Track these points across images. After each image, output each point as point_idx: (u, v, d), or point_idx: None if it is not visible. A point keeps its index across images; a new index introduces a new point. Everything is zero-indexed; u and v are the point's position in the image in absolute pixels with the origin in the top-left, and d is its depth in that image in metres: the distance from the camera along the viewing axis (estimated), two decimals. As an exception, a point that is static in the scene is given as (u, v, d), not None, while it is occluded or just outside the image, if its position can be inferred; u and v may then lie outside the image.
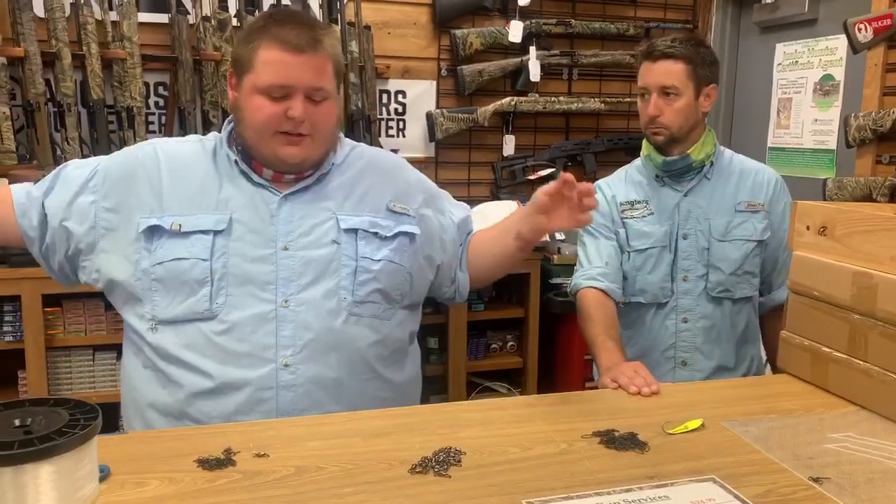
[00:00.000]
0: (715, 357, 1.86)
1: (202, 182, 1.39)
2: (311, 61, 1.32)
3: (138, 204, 1.37)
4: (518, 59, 3.30)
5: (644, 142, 1.92)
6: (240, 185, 1.39)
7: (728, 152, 1.96)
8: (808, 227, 1.49)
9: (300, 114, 1.32)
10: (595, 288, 1.83)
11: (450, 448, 1.13)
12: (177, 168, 1.40)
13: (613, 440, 1.18)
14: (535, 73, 3.29)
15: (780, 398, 1.40)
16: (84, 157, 2.73)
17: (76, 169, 1.45)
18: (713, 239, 1.85)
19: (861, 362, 1.34)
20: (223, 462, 1.08)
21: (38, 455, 0.76)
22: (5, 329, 2.63)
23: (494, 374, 3.17)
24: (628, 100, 3.49)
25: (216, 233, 1.35)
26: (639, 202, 1.91)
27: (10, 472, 0.75)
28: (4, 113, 2.62)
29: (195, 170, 1.40)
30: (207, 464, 1.07)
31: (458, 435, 1.19)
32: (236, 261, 1.34)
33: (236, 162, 1.40)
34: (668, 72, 1.81)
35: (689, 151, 1.85)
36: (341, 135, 1.52)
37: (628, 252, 1.89)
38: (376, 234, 1.42)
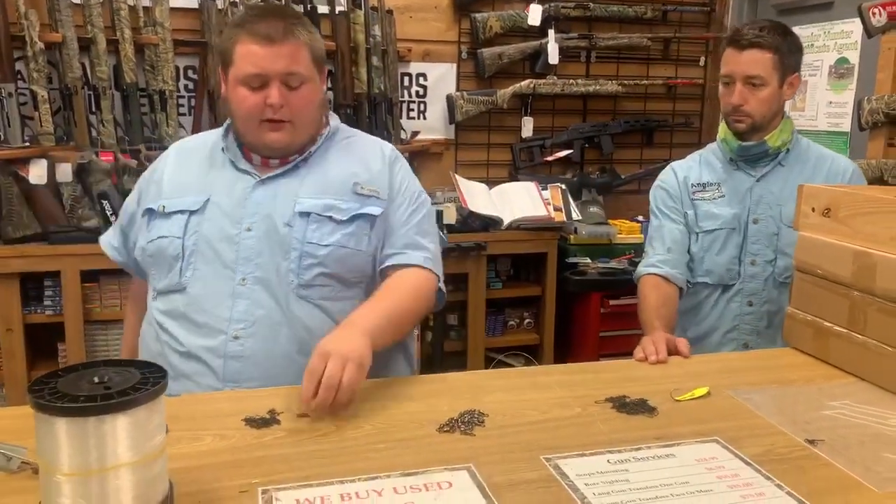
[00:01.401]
0: (778, 342, 1.82)
1: (196, 169, 1.54)
2: (282, 50, 1.42)
3: (147, 193, 1.58)
4: (537, 42, 3.36)
5: (721, 125, 1.94)
6: (225, 171, 1.52)
7: (805, 140, 1.96)
8: (813, 209, 1.56)
9: (276, 100, 1.42)
10: (654, 274, 1.90)
11: (474, 410, 1.23)
12: (181, 159, 1.58)
13: (625, 405, 1.28)
14: (553, 55, 3.35)
15: (783, 370, 1.49)
16: (118, 138, 2.87)
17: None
18: (783, 225, 1.85)
19: (860, 336, 1.43)
20: (269, 421, 1.19)
21: (117, 407, 0.86)
22: (46, 303, 2.77)
23: (511, 349, 3.27)
24: (645, 82, 3.55)
25: (191, 212, 1.49)
26: (711, 184, 1.94)
27: (93, 421, 0.86)
28: (43, 96, 2.73)
29: (194, 159, 1.56)
30: (254, 422, 1.18)
31: (482, 399, 1.29)
32: (206, 239, 1.46)
33: (223, 150, 1.53)
34: (755, 61, 1.81)
35: (766, 138, 1.86)
36: (334, 120, 1.60)
37: (696, 233, 1.93)
38: (330, 217, 1.47)
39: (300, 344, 1.43)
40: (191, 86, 3.09)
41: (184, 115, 3.06)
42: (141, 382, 0.91)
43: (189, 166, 1.56)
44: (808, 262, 1.57)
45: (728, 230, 1.90)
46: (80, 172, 2.79)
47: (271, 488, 0.99)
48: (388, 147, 1.62)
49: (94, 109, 2.84)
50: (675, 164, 2.04)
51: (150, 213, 1.53)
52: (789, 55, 1.84)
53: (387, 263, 1.52)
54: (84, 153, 2.76)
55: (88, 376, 0.93)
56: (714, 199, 1.92)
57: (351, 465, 1.06)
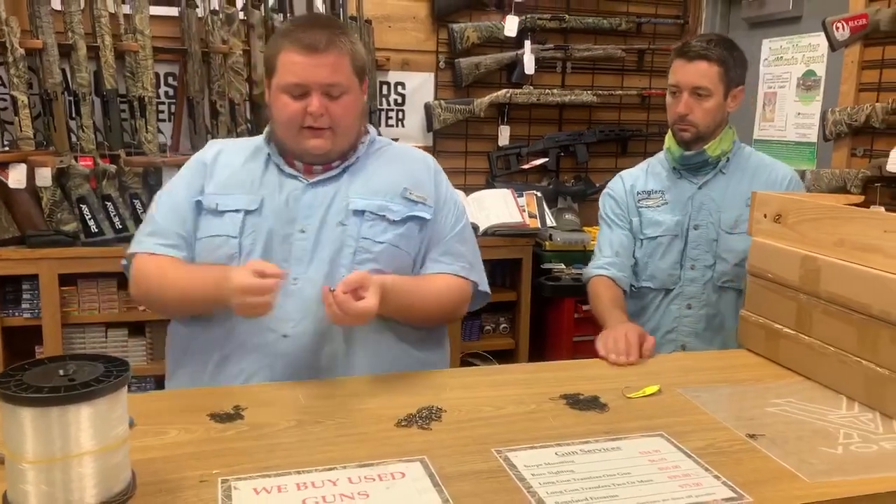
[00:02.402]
0: (715, 344, 1.93)
1: (242, 171, 1.55)
2: (325, 60, 1.44)
3: (192, 184, 1.55)
4: (513, 53, 3.42)
5: (668, 135, 2.01)
6: (272, 175, 1.54)
7: (748, 149, 2.03)
8: (765, 215, 1.63)
9: (317, 109, 1.45)
10: (603, 276, 1.97)
11: (433, 406, 1.28)
12: (227, 158, 1.58)
13: (577, 402, 1.33)
14: (529, 66, 3.41)
15: (735, 370, 1.55)
16: (98, 143, 2.89)
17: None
18: (722, 231, 1.92)
19: (806, 337, 1.49)
20: (233, 416, 1.23)
21: (79, 398, 0.91)
22: (24, 306, 2.79)
23: (487, 354, 3.32)
24: (619, 92, 3.62)
25: (248, 212, 1.49)
26: (655, 192, 2.01)
27: (57, 411, 0.90)
28: (23, 101, 2.76)
29: (238, 159, 1.57)
30: (219, 417, 1.23)
31: (442, 396, 1.34)
32: (262, 239, 1.48)
33: (269, 156, 1.55)
34: (702, 73, 1.87)
35: (706, 147, 1.93)
36: (372, 130, 1.64)
37: (640, 240, 2.00)
38: (384, 216, 1.51)
39: (348, 342, 1.48)
40: (171, 92, 3.13)
41: (163, 121, 3.10)
42: (104, 375, 0.96)
43: (234, 166, 1.56)
44: (759, 267, 1.63)
45: (671, 237, 1.97)
46: (60, 177, 2.82)
47: (231, 478, 1.03)
48: (430, 158, 1.68)
49: (74, 115, 2.87)
50: (624, 172, 2.12)
51: (197, 206, 1.53)
52: (735, 68, 1.91)
53: (426, 271, 1.57)
54: (63, 158, 2.78)
55: (54, 369, 0.97)
56: (658, 206, 1.99)
57: (309, 457, 1.10)
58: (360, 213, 1.51)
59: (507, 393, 1.37)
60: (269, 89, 1.53)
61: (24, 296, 2.79)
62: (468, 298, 1.63)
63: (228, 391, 1.35)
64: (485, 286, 1.65)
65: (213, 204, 1.52)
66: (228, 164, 1.57)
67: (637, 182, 2.05)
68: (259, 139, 1.61)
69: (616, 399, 1.36)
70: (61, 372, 0.96)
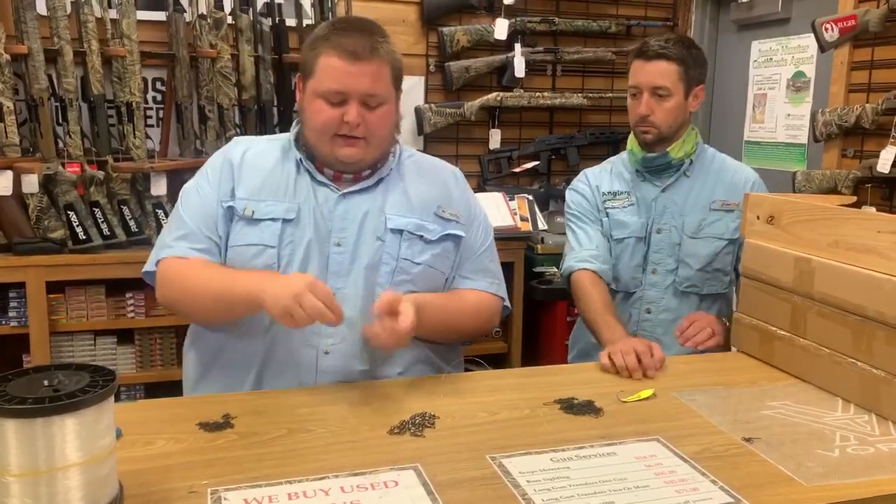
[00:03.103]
0: (673, 349, 1.82)
1: (273, 175, 1.49)
2: (366, 69, 1.39)
3: (220, 185, 1.49)
4: (503, 56, 3.42)
5: (630, 136, 1.98)
6: (304, 181, 1.49)
7: (711, 151, 2.00)
8: (758, 217, 1.62)
9: (354, 118, 1.40)
10: (588, 270, 1.90)
11: (426, 413, 1.26)
12: (253, 160, 1.51)
13: (572, 406, 1.32)
14: (520, 69, 3.40)
15: (729, 372, 1.54)
16: (86, 150, 2.87)
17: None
18: (685, 235, 1.90)
19: (801, 339, 1.48)
20: (222, 425, 1.21)
21: (65, 409, 0.89)
22: (10, 314, 2.75)
23: (480, 358, 3.30)
24: (610, 95, 3.61)
25: (286, 221, 1.45)
26: (621, 193, 1.97)
27: (41, 422, 0.88)
28: (8, 107, 2.73)
29: (268, 163, 1.50)
30: (208, 427, 1.21)
31: (435, 402, 1.32)
32: (301, 250, 1.44)
33: (301, 161, 1.50)
34: (661, 72, 1.85)
35: (668, 149, 1.90)
36: (400, 141, 1.59)
37: (609, 241, 1.96)
38: (421, 237, 1.49)
39: (384, 361, 1.46)
40: (159, 97, 3.11)
41: (151, 126, 3.07)
42: (90, 385, 0.93)
43: (265, 169, 1.50)
44: (753, 269, 1.62)
45: (636, 239, 1.94)
46: (47, 183, 2.79)
47: (220, 489, 1.01)
48: (458, 172, 1.65)
49: (60, 121, 2.84)
50: (588, 171, 2.06)
51: (229, 212, 1.47)
52: (695, 67, 1.88)
53: (457, 286, 1.56)
54: (50, 164, 2.75)
55: (39, 380, 0.95)
56: (624, 207, 1.96)
57: (300, 467, 1.08)
58: (397, 231, 1.48)
59: (500, 398, 1.35)
60: (301, 91, 1.49)
61: (11, 304, 2.76)
62: (498, 314, 1.63)
63: (218, 399, 1.33)
64: (507, 301, 1.65)
65: (248, 211, 1.46)
66: (258, 166, 1.51)
67: (602, 182, 2.01)
68: (284, 138, 1.56)
69: (611, 403, 1.34)
70: (46, 382, 0.94)
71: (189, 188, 1.54)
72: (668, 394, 1.40)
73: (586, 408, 1.31)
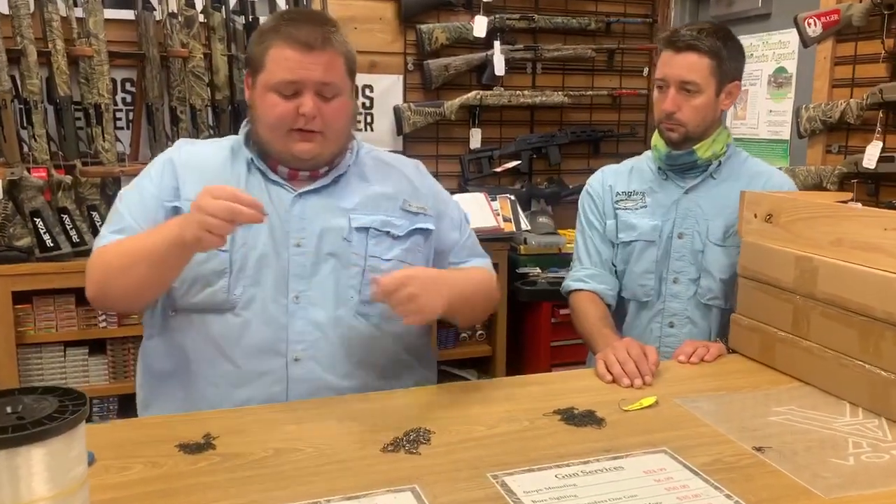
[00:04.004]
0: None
1: (222, 175, 1.41)
2: (320, 58, 1.34)
3: (163, 185, 1.41)
4: (483, 54, 3.36)
5: (655, 132, 1.83)
6: (256, 182, 1.42)
7: (744, 154, 1.85)
8: (755, 215, 1.57)
9: (310, 110, 1.34)
10: (584, 290, 1.82)
11: (420, 428, 1.19)
12: (200, 159, 1.44)
13: (573, 417, 1.26)
14: (499, 67, 3.35)
15: (730, 376, 1.49)
16: (52, 153, 2.75)
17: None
18: (709, 242, 1.75)
19: (804, 341, 1.44)
20: (203, 446, 1.13)
21: (30, 439, 0.81)
22: (-26, 325, 2.63)
23: (464, 362, 3.24)
24: (590, 93, 3.57)
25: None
26: (635, 193, 1.84)
27: (4, 455, 0.80)
28: (-30, 111, 2.61)
29: (215, 163, 1.43)
30: (188, 448, 1.13)
31: (428, 416, 1.25)
32: (254, 253, 1.37)
33: (252, 160, 1.42)
34: (691, 66, 1.69)
35: (695, 148, 1.75)
36: (357, 136, 1.53)
37: (615, 245, 1.84)
38: (388, 233, 1.44)
39: (358, 365, 1.40)
40: (129, 98, 3.00)
41: (121, 128, 2.97)
42: (58, 411, 0.85)
43: (212, 169, 1.42)
44: (751, 269, 1.57)
45: (644, 243, 1.80)
46: (11, 189, 2.67)
47: (204, 518, 0.94)
48: (419, 163, 1.60)
49: (25, 124, 2.73)
50: (607, 167, 1.94)
51: (174, 214, 1.37)
52: (729, 61, 1.73)
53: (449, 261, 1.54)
54: (14, 169, 2.64)
55: (1, 406, 0.86)
56: (636, 209, 1.83)
57: (290, 491, 1.01)
58: (363, 230, 1.42)
59: (497, 410, 1.29)
60: (250, 88, 1.41)
61: (-25, 314, 2.64)
62: (498, 291, 1.60)
63: (197, 417, 1.25)
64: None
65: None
66: (204, 166, 1.43)
67: (618, 181, 1.89)
68: (234, 140, 1.48)
69: (612, 413, 1.29)
70: (9, 409, 0.86)
71: (128, 190, 1.45)
72: (670, 401, 1.34)
73: (588, 418, 1.25)
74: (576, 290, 1.84)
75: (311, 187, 1.43)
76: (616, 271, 1.86)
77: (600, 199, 1.89)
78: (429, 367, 1.57)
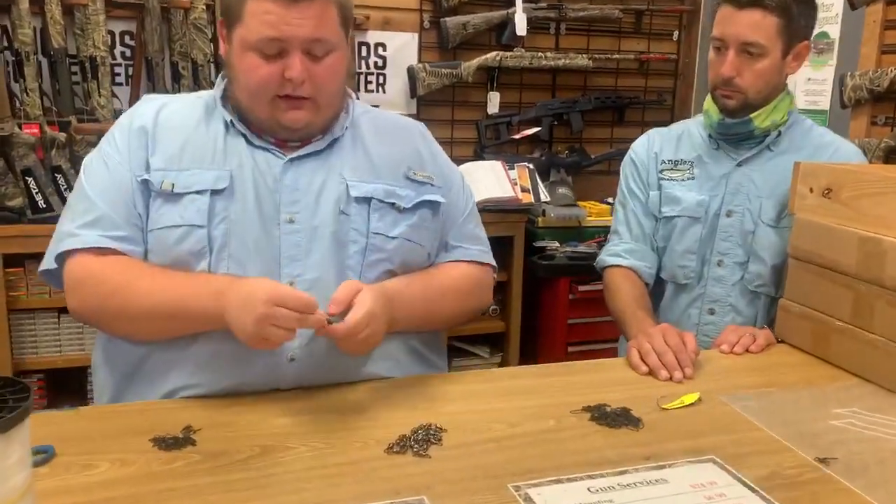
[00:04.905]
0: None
1: (197, 137, 1.22)
2: (308, 10, 1.13)
3: (132, 154, 1.20)
4: (504, 12, 3.16)
5: (708, 97, 1.63)
6: (237, 144, 1.21)
7: (809, 123, 1.65)
8: (811, 189, 1.40)
9: (298, 73, 1.14)
10: (620, 266, 1.65)
11: (430, 425, 1.04)
12: (170, 121, 1.23)
13: (605, 416, 1.10)
14: (521, 26, 3.15)
15: (779, 369, 1.33)
16: (45, 109, 2.60)
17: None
18: (761, 222, 1.57)
19: (866, 333, 1.27)
20: (182, 441, 0.99)
21: (-44, 442, 0.66)
22: (-36, 290, 2.51)
23: (475, 338, 3.10)
24: (617, 56, 3.38)
25: (214, 192, 1.17)
26: (683, 163, 1.65)
27: (-79, 462, 0.65)
28: (-41, 61, 2.46)
29: (188, 123, 1.23)
30: (164, 443, 0.98)
31: (441, 410, 1.10)
32: (238, 228, 1.17)
33: (231, 122, 1.22)
34: (755, 24, 1.48)
35: (752, 116, 1.55)
36: (353, 94, 1.34)
37: (657, 219, 1.67)
38: (393, 204, 1.25)
39: (363, 361, 1.21)
40: (128, 53, 2.83)
41: (120, 84, 2.80)
42: (-5, 407, 0.71)
43: (185, 130, 1.22)
44: (804, 249, 1.40)
45: (688, 219, 1.63)
46: (3, 146, 2.53)
47: (174, 534, 0.79)
48: (422, 126, 1.40)
49: (17, 77, 2.57)
50: (654, 131, 1.74)
51: (144, 187, 1.18)
52: (799, 18, 1.50)
53: (446, 260, 1.34)
54: (5, 125, 2.49)
55: (-74, 400, 0.72)
56: (683, 180, 1.65)
57: (279, 500, 0.87)
58: (364, 200, 1.23)
59: (519, 405, 1.13)
60: (226, 42, 1.21)
61: (-38, 279, 2.51)
62: (491, 287, 1.41)
63: (178, 406, 1.11)
64: (496, 269, 1.44)
65: (167, 184, 1.17)
66: (176, 127, 1.22)
67: (665, 148, 1.69)
68: (208, 95, 1.28)
69: (650, 411, 1.13)
70: (-68, 404, 0.71)
71: (92, 161, 1.24)
72: (714, 398, 1.19)
73: (622, 418, 1.09)
74: (611, 265, 1.67)
75: (304, 152, 1.24)
76: (657, 248, 1.69)
77: (644, 166, 1.70)
78: (441, 356, 1.40)
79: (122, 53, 2.82)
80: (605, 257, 1.70)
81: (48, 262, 1.21)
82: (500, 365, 3.08)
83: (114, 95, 2.69)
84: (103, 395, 1.25)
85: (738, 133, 1.59)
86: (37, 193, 2.52)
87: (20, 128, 2.52)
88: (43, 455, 0.93)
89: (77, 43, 2.63)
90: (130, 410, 1.11)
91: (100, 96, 2.63)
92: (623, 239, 1.70)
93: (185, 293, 1.12)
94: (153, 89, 2.73)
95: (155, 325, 1.15)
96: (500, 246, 3.03)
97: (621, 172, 1.76)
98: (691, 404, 1.16)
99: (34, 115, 2.56)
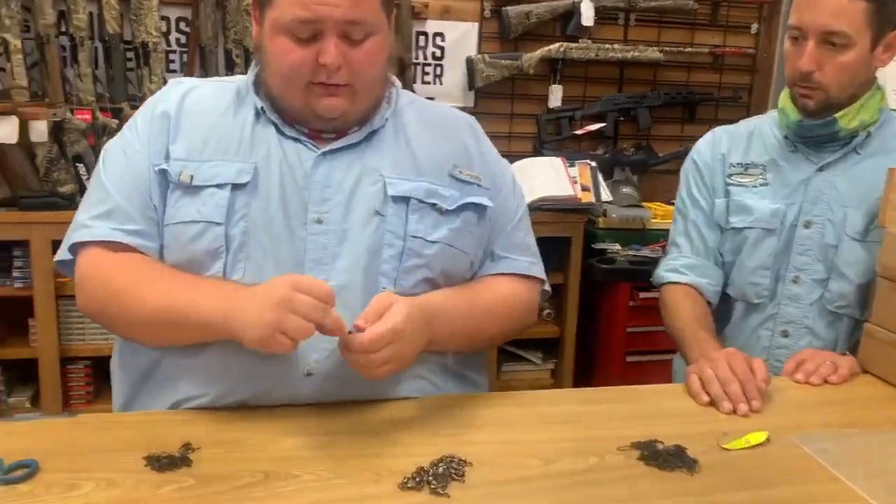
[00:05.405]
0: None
1: (222, 125, 1.13)
2: None
3: (151, 141, 1.13)
4: (570, 1, 3.02)
5: (784, 92, 1.46)
6: (266, 134, 1.13)
7: None
8: (908, 200, 1.22)
9: (333, 59, 1.04)
10: (680, 284, 1.49)
11: (453, 457, 0.92)
12: (195, 106, 1.15)
13: (656, 455, 0.96)
14: (588, 16, 3.01)
15: (863, 405, 1.17)
16: (98, 95, 2.59)
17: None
18: (845, 235, 1.40)
19: (971, 369, 1.09)
20: (177, 461, 0.90)
21: None
22: (15, 275, 2.51)
23: (527, 343, 2.97)
24: (689, 50, 3.20)
25: (236, 187, 1.09)
26: (755, 166, 1.48)
27: None
28: (15, 45, 2.46)
29: (215, 110, 1.15)
30: (158, 462, 0.89)
31: (467, 438, 0.98)
32: (259, 228, 1.08)
33: (262, 110, 1.13)
34: (840, 10, 1.31)
35: (837, 115, 1.38)
36: (396, 81, 1.23)
37: (724, 230, 1.51)
38: (434, 205, 1.14)
39: (390, 382, 1.09)
40: (183, 40, 2.80)
41: (174, 71, 2.77)
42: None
43: (211, 118, 1.14)
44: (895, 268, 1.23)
45: (761, 231, 1.46)
46: (56, 132, 2.53)
47: (146, 577, 0.70)
48: (472, 119, 1.29)
49: (72, 62, 2.57)
50: (720, 130, 1.57)
51: (161, 177, 1.11)
52: (893, 2, 1.33)
53: (491, 272, 1.23)
54: (57, 110, 2.48)
55: None
56: (755, 186, 1.48)
57: (271, 539, 0.76)
58: (402, 199, 1.12)
59: (558, 437, 1.00)
60: (258, 24, 1.11)
61: (16, 263, 2.51)
62: (537, 303, 1.28)
63: (182, 419, 1.02)
64: (547, 284, 1.30)
65: (185, 175, 1.09)
66: (202, 113, 1.14)
67: (734, 149, 1.51)
68: (239, 81, 1.18)
69: (708, 450, 0.98)
70: None
71: (112, 147, 1.16)
72: (784, 438, 1.03)
73: (676, 458, 0.95)
74: (670, 282, 1.51)
75: (339, 145, 1.13)
76: (723, 262, 1.52)
77: (709, 169, 1.53)
78: (481, 373, 1.27)
79: (177, 40, 2.80)
80: (663, 272, 1.54)
81: (62, 252, 1.15)
82: (553, 373, 2.96)
83: (164, 83, 2.65)
84: (118, 399, 1.19)
85: (820, 135, 1.41)
86: (86, 180, 2.50)
87: (72, 113, 2.51)
88: (26, 470, 0.85)
89: (132, 29, 2.61)
90: (130, 421, 1.03)
91: (151, 83, 2.61)
92: (682, 252, 1.53)
93: (187, 298, 1.03)
94: (206, 77, 2.69)
95: (154, 331, 1.07)
96: (557, 247, 2.90)
97: (682, 176, 1.59)
98: (757, 445, 1.01)
99: (87, 101, 2.55)
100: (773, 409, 1.12)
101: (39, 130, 2.50)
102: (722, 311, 1.53)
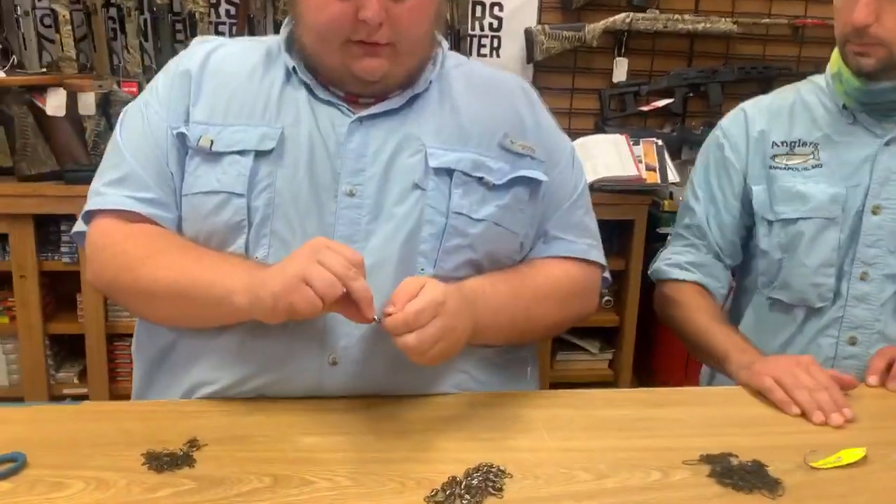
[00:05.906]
0: None
1: (248, 87, 1.03)
2: None
3: (171, 104, 1.03)
4: (637, -32, 2.86)
5: (834, 53, 1.27)
6: (296, 96, 1.02)
7: None
8: None
9: (375, 14, 0.93)
10: (688, 282, 1.32)
11: (491, 466, 0.80)
12: (220, 66, 1.05)
13: (731, 472, 0.82)
14: (656, -16, 2.83)
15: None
16: (145, 67, 2.54)
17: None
18: None
19: None
20: (179, 460, 0.80)
21: None
22: (63, 249, 2.50)
23: (585, 331, 2.83)
24: (766, 21, 2.99)
25: (259, 154, 0.99)
26: (803, 144, 1.27)
27: None
28: (64, 16, 2.44)
29: (242, 71, 1.04)
30: (157, 460, 0.79)
31: (508, 444, 0.86)
32: (285, 201, 0.98)
33: (294, 70, 1.03)
34: None
35: None
36: (443, 42, 1.12)
37: (770, 222, 1.29)
38: (481, 179, 1.03)
39: (426, 375, 1.00)
40: (233, 11, 2.74)
41: (224, 44, 2.72)
42: None
43: (236, 79, 1.03)
44: None
45: (822, 221, 1.24)
46: (105, 105, 2.49)
47: None
48: (526, 84, 1.17)
49: (119, 33, 2.53)
50: (750, 104, 1.34)
51: (180, 142, 1.02)
52: None
53: (544, 255, 1.11)
54: (103, 83, 2.44)
55: None
56: (805, 168, 1.27)
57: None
58: (445, 171, 1.01)
59: (613, 445, 0.87)
60: None
61: (64, 237, 2.50)
62: (598, 291, 1.15)
63: (191, 410, 0.92)
64: (607, 271, 1.17)
65: (206, 140, 0.99)
66: (228, 73, 1.03)
67: (774, 126, 1.29)
68: (272, 40, 1.08)
69: (794, 469, 0.84)
70: None
71: (131, 108, 1.07)
72: (885, 456, 0.87)
73: (755, 477, 0.81)
74: (671, 280, 1.34)
75: (377, 110, 1.02)
76: (764, 259, 1.31)
77: (739, 153, 1.31)
78: (530, 366, 1.15)
79: (227, 12, 2.74)
80: (665, 267, 1.35)
81: (79, 224, 1.07)
82: (611, 363, 2.82)
83: (212, 55, 2.60)
84: (134, 385, 1.11)
85: (886, 102, 1.20)
86: (128, 154, 2.47)
87: (119, 86, 2.48)
88: (11, 465, 0.76)
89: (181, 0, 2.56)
90: (133, 412, 0.93)
91: (197, 55, 2.55)
92: (689, 247, 1.35)
93: (206, 270, 0.94)
94: (254, 49, 2.63)
95: (168, 306, 0.98)
96: (619, 231, 2.76)
97: (698, 161, 1.38)
98: (853, 463, 0.85)
99: (133, 73, 2.52)
100: (869, 421, 0.97)
101: (87, 103, 2.47)
102: (772, 321, 1.32)
